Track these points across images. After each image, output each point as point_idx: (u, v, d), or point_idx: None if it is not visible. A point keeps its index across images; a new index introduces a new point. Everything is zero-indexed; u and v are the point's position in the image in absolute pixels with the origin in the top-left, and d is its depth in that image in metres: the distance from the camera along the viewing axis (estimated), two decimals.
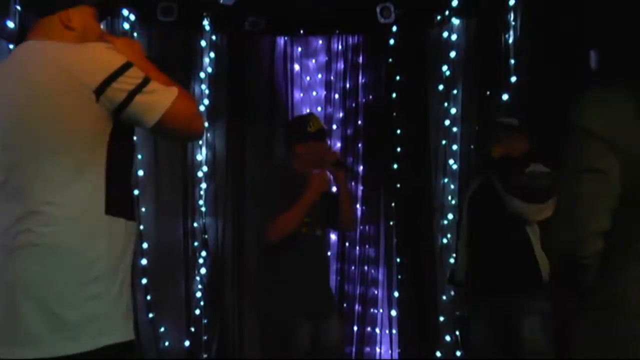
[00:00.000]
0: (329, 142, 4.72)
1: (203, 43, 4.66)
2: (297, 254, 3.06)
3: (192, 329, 4.57)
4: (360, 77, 4.80)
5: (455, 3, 4.28)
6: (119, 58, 1.60)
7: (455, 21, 4.38)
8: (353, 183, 4.75)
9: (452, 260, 4.28)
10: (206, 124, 4.69)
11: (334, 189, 3.29)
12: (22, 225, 1.52)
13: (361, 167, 4.74)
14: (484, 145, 3.40)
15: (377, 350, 4.64)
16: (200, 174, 4.69)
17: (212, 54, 4.70)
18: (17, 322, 1.49)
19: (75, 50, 1.61)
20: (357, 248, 4.70)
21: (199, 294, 4.62)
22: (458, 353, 4.22)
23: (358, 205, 4.71)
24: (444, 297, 4.35)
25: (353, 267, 4.69)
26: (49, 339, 1.48)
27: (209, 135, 4.72)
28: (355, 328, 4.64)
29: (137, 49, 1.78)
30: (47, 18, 1.70)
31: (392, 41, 4.59)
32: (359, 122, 4.77)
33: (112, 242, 1.59)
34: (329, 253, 4.52)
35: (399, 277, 4.55)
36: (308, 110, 4.88)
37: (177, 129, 1.68)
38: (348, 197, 3.31)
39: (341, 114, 4.84)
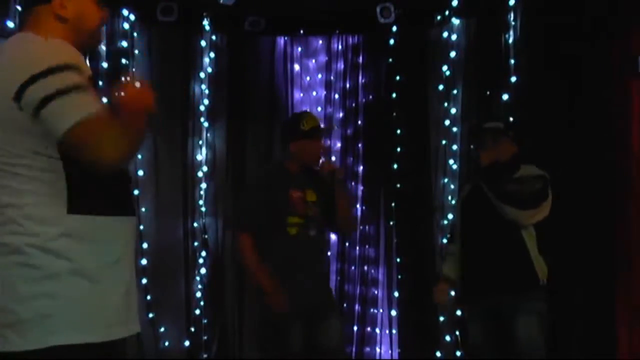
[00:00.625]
0: (329, 142, 4.74)
1: (203, 43, 4.66)
2: (286, 255, 3.04)
3: (192, 329, 4.57)
4: (360, 77, 4.80)
5: (455, 3, 4.28)
6: (52, 59, 1.45)
7: (455, 21, 4.38)
8: (353, 183, 4.75)
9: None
10: (206, 124, 4.69)
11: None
12: None
13: (361, 167, 4.74)
14: (472, 151, 3.38)
15: (377, 350, 4.64)
16: (200, 174, 4.69)
17: (212, 54, 4.70)
18: None
19: (18, 47, 1.52)
20: (357, 248, 4.70)
21: (199, 294, 4.62)
22: (458, 353, 4.22)
23: (358, 205, 4.71)
24: None
25: (353, 267, 4.69)
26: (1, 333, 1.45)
27: (208, 135, 4.72)
28: (355, 328, 4.63)
29: (139, 102, 1.56)
30: (42, 7, 1.60)
31: (392, 41, 4.59)
32: (359, 122, 4.77)
33: (81, 240, 1.50)
34: (329, 253, 4.53)
35: (399, 277, 4.55)
36: (308, 110, 4.88)
37: (82, 149, 1.44)
38: (345, 201, 3.25)
39: (341, 114, 4.84)
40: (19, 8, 3.49)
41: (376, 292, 4.68)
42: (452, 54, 4.38)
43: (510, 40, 4.02)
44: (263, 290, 2.97)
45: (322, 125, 3.39)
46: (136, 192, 4.40)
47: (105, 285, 1.53)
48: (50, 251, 1.46)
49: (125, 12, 4.32)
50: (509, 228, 2.94)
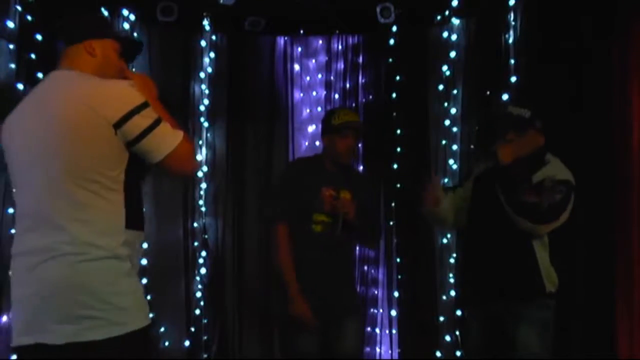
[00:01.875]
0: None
1: (203, 43, 4.66)
2: (307, 252, 2.97)
3: (192, 329, 4.58)
4: (360, 77, 4.79)
5: (455, 3, 4.28)
6: (138, 97, 1.82)
7: (455, 21, 4.38)
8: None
9: (452, 261, 4.29)
10: (206, 124, 4.70)
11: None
12: (51, 239, 1.76)
13: (361, 167, 4.74)
14: (489, 141, 2.96)
15: (377, 350, 4.64)
16: (200, 174, 4.69)
17: (212, 54, 4.70)
18: (74, 312, 1.74)
19: (99, 85, 1.84)
20: (357, 248, 4.69)
21: (199, 294, 4.62)
22: (458, 353, 4.22)
23: None
24: (444, 297, 4.35)
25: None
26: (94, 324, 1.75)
27: (208, 135, 4.72)
28: None
29: (152, 88, 1.99)
30: (74, 47, 1.95)
31: (392, 41, 4.59)
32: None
33: (131, 248, 1.89)
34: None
35: (399, 277, 4.55)
36: (308, 110, 4.89)
37: (177, 168, 1.93)
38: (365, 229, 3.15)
39: None
40: (19, 8, 3.50)
41: (376, 292, 4.68)
42: (452, 54, 4.38)
43: (510, 40, 4.02)
44: (287, 293, 2.91)
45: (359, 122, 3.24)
46: None
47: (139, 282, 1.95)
48: (118, 256, 1.81)
49: (125, 12, 4.31)
50: (519, 234, 2.72)
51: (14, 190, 1.94)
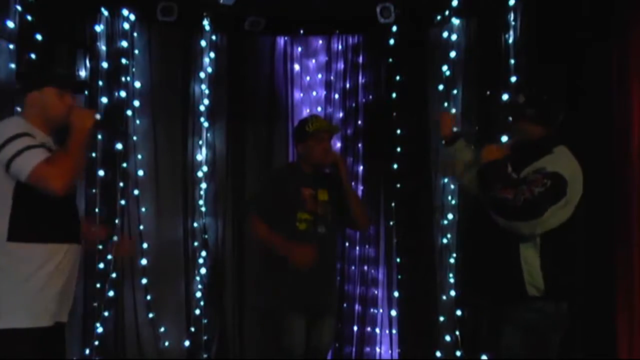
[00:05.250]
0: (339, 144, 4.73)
1: (203, 43, 4.66)
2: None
3: (192, 329, 4.57)
4: (360, 77, 4.80)
5: (455, 3, 4.28)
6: (12, 130, 2.24)
7: (455, 21, 4.38)
8: (353, 183, 4.75)
9: (452, 261, 4.28)
10: (206, 124, 4.70)
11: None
12: None
13: (361, 167, 4.74)
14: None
15: (377, 350, 4.64)
16: (200, 174, 4.69)
17: (212, 54, 4.70)
18: None
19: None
20: (357, 248, 4.70)
21: (199, 294, 4.62)
22: (458, 353, 4.22)
23: None
24: (444, 297, 4.35)
25: (353, 267, 4.70)
26: None
27: (208, 135, 4.72)
28: (355, 328, 4.64)
29: (86, 120, 2.35)
30: (27, 96, 2.41)
31: (392, 41, 4.59)
32: (359, 122, 4.77)
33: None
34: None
35: (399, 277, 4.54)
36: (308, 111, 4.88)
37: (38, 186, 2.22)
38: (356, 196, 3.37)
39: (341, 114, 4.84)
40: (19, 8, 3.50)
41: (376, 292, 4.68)
42: (452, 54, 4.38)
43: (510, 40, 4.02)
44: (285, 252, 2.96)
45: (331, 126, 3.51)
46: (136, 192, 4.41)
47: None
48: None
49: (125, 12, 4.32)
50: (506, 236, 2.59)
51: None
